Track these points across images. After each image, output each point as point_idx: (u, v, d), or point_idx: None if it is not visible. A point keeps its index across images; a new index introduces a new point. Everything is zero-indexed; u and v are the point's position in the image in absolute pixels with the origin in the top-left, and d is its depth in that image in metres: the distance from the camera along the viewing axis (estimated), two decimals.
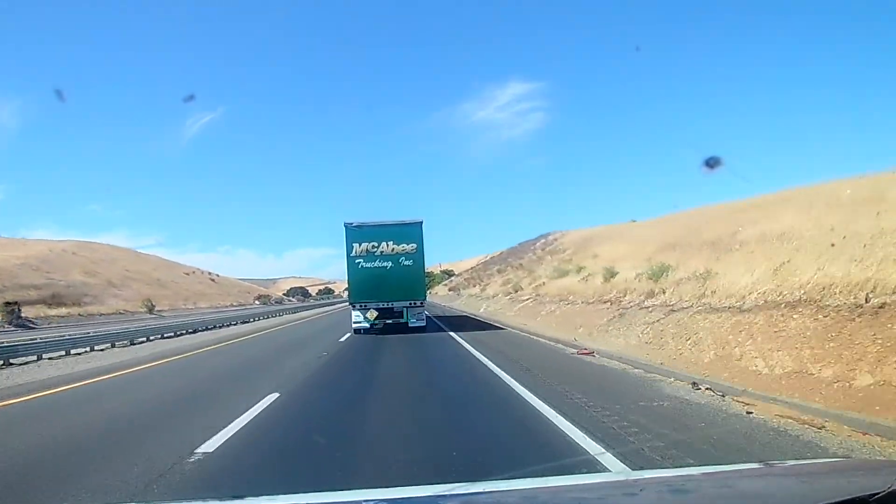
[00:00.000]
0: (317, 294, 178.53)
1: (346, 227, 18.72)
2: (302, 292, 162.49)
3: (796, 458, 4.38)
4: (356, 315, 18.94)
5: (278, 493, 2.38)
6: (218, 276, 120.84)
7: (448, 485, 2.13)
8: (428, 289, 45.07)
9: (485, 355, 12.61)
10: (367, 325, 18.79)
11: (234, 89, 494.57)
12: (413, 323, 19.09)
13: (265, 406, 7.50)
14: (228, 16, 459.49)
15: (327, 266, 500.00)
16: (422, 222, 18.99)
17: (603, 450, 4.92)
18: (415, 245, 18.72)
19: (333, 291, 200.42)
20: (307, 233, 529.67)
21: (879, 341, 6.92)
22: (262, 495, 2.10)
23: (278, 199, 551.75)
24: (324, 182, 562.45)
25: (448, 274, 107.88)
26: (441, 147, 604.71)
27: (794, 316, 8.93)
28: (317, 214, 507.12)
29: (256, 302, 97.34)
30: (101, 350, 18.49)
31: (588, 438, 5.32)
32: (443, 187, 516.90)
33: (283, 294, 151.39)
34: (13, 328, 36.17)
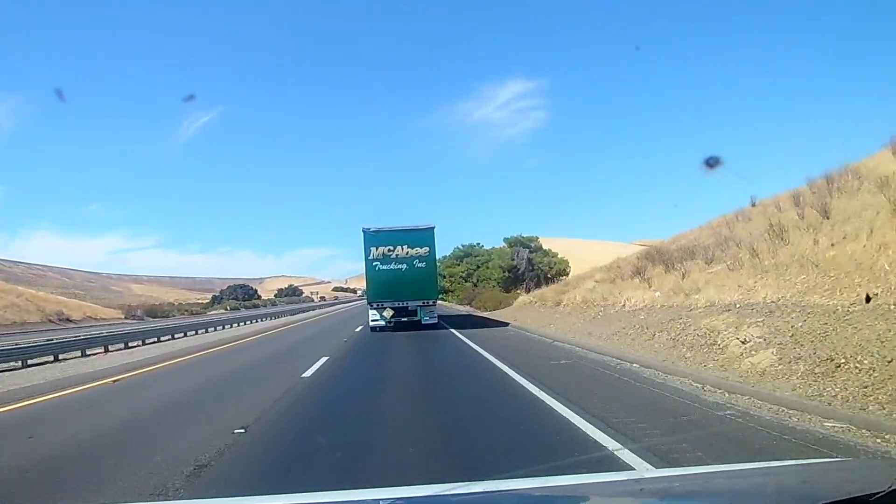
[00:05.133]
0: (275, 296, 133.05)
1: (364, 232, 19.67)
2: (245, 293, 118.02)
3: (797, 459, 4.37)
4: (373, 314, 19.92)
5: (279, 493, 2.29)
6: None
7: (448, 484, 2.09)
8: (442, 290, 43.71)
9: None
10: (383, 322, 19.84)
11: (233, 90, 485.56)
12: (426, 320, 20.13)
13: None
14: (228, 16, 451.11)
15: (326, 267, 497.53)
16: (434, 227, 20.22)
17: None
18: (427, 248, 19.87)
19: (301, 293, 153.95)
20: (305, 234, 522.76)
21: None
22: (262, 495, 2.02)
23: (277, 200, 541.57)
24: (323, 183, 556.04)
25: (524, 246, 49.49)
26: (441, 146, 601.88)
27: None
28: (315, 215, 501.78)
29: None
30: None
31: None
32: (442, 186, 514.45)
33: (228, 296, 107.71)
34: None
